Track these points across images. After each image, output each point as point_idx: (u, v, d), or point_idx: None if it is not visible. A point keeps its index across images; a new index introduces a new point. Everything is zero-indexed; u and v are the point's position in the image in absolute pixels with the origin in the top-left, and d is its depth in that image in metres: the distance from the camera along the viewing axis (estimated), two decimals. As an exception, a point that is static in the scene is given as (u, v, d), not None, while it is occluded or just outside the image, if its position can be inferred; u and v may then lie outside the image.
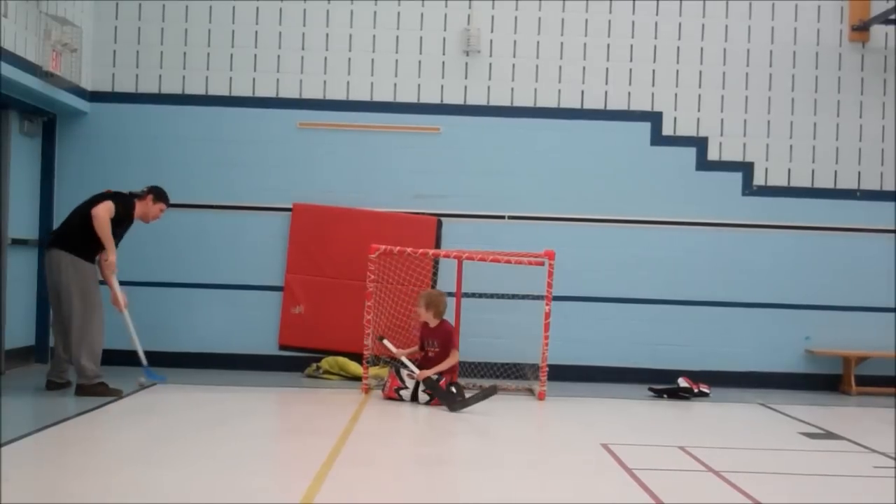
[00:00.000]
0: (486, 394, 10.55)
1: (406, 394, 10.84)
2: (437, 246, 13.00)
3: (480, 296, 12.62)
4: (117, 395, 10.36)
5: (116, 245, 10.48)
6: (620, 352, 13.26)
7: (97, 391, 10.29)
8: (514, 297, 12.65)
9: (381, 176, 13.24)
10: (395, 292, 12.25)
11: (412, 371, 10.83)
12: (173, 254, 12.74)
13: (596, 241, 13.27)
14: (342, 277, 12.90)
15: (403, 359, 11.03)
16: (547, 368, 11.49)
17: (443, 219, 13.23)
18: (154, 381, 11.00)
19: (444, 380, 10.87)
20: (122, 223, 10.66)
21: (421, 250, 11.86)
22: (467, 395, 10.86)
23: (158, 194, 10.98)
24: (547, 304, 11.33)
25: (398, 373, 10.95)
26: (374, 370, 11.76)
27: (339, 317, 12.79)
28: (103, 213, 10.28)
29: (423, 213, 13.19)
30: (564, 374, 12.84)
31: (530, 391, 11.71)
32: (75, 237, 10.38)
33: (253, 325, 12.80)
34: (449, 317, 12.11)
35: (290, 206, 13.10)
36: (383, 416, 10.34)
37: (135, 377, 11.17)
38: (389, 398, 10.90)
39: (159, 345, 12.07)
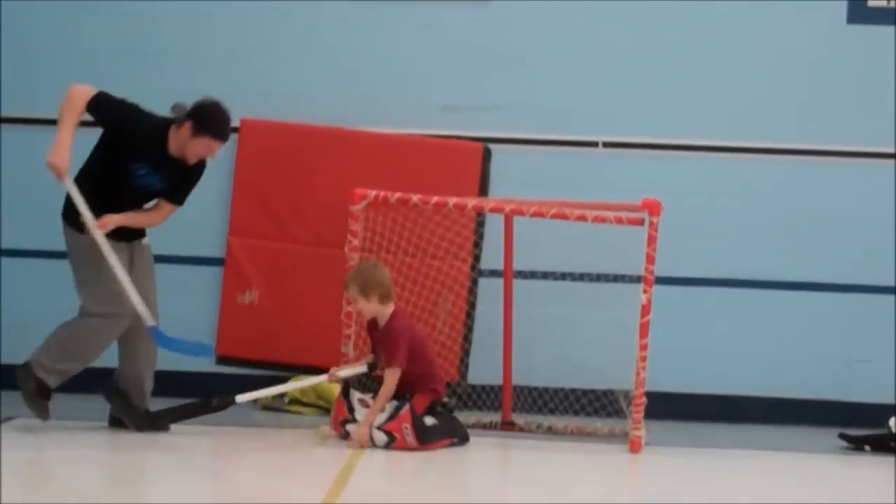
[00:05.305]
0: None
1: (354, 429, 9.20)
2: (483, 189, 10.38)
3: (545, 276, 10.34)
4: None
5: (133, 203, 8.82)
6: (789, 373, 10.57)
7: None
8: (598, 278, 10.34)
9: (387, 74, 10.57)
10: (409, 269, 9.91)
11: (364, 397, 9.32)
12: (47, 205, 9.63)
13: (752, 184, 10.50)
14: (323, 245, 10.40)
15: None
16: (644, 400, 9.15)
17: (491, 146, 10.51)
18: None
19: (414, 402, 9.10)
20: (127, 152, 8.71)
21: (435, 199, 9.48)
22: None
23: (201, 122, 8.69)
24: (645, 291, 9.10)
25: (346, 397, 9.27)
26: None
27: (317, 309, 10.32)
28: (75, 91, 8.62)
29: (460, 137, 10.44)
30: (691, 408, 10.39)
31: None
32: None
33: (174, 324, 9.66)
34: (496, 308, 9.78)
35: (237, 123, 10.38)
36: (383, 473, 8.76)
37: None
38: (337, 433, 9.39)
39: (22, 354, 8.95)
